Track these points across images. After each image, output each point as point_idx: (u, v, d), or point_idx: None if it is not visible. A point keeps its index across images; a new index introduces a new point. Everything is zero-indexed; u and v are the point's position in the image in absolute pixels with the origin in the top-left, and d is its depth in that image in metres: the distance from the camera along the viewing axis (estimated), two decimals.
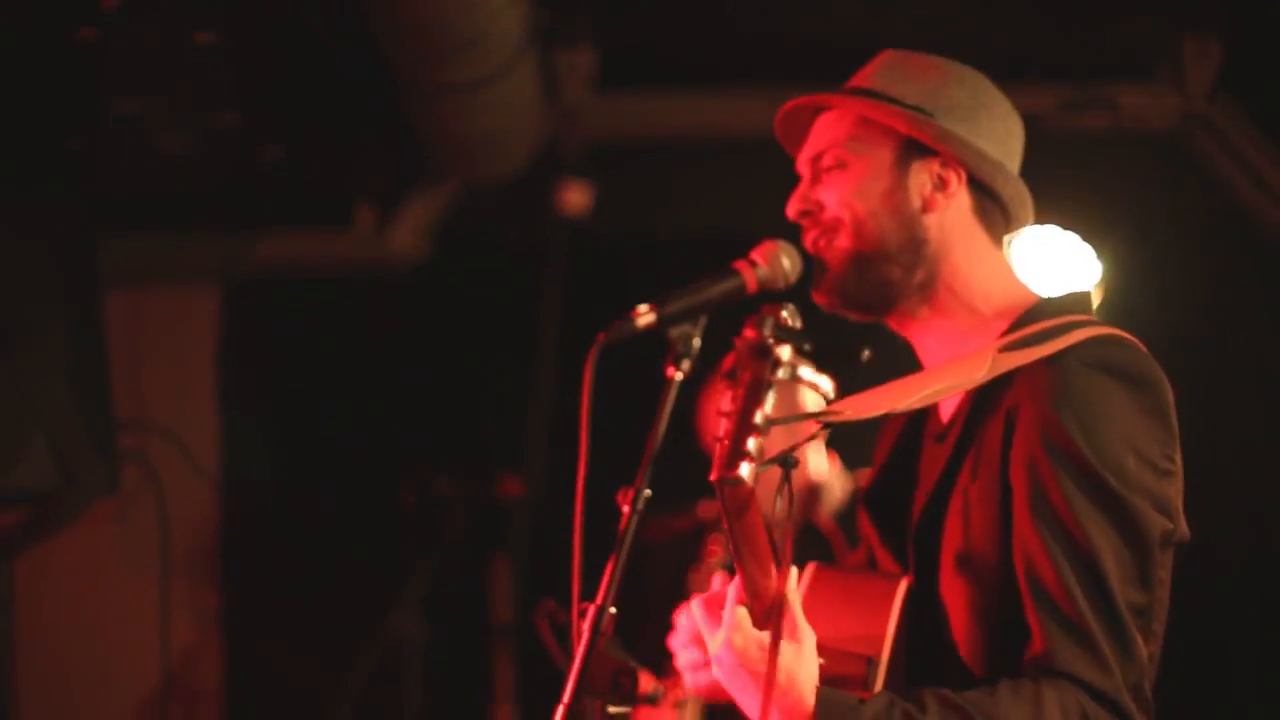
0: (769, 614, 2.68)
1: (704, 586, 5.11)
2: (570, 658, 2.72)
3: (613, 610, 2.70)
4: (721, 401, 2.59)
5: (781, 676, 2.65)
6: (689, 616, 3.01)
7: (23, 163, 5.71)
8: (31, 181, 5.55)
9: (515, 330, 6.77)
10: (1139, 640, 2.70)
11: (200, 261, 7.01)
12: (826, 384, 2.62)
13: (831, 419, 2.80)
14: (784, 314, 2.56)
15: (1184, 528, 2.81)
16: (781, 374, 2.55)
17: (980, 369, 2.84)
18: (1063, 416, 2.71)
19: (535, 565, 6.51)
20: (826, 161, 3.05)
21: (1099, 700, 2.65)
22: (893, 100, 3.03)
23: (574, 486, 2.75)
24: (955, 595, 2.83)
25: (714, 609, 2.83)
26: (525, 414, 6.61)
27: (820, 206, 3.04)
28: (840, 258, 3.01)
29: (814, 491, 5.22)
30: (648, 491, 2.76)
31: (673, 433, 2.83)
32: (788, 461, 2.62)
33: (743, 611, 2.71)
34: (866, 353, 2.68)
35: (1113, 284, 6.05)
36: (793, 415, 2.74)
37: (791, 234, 3.09)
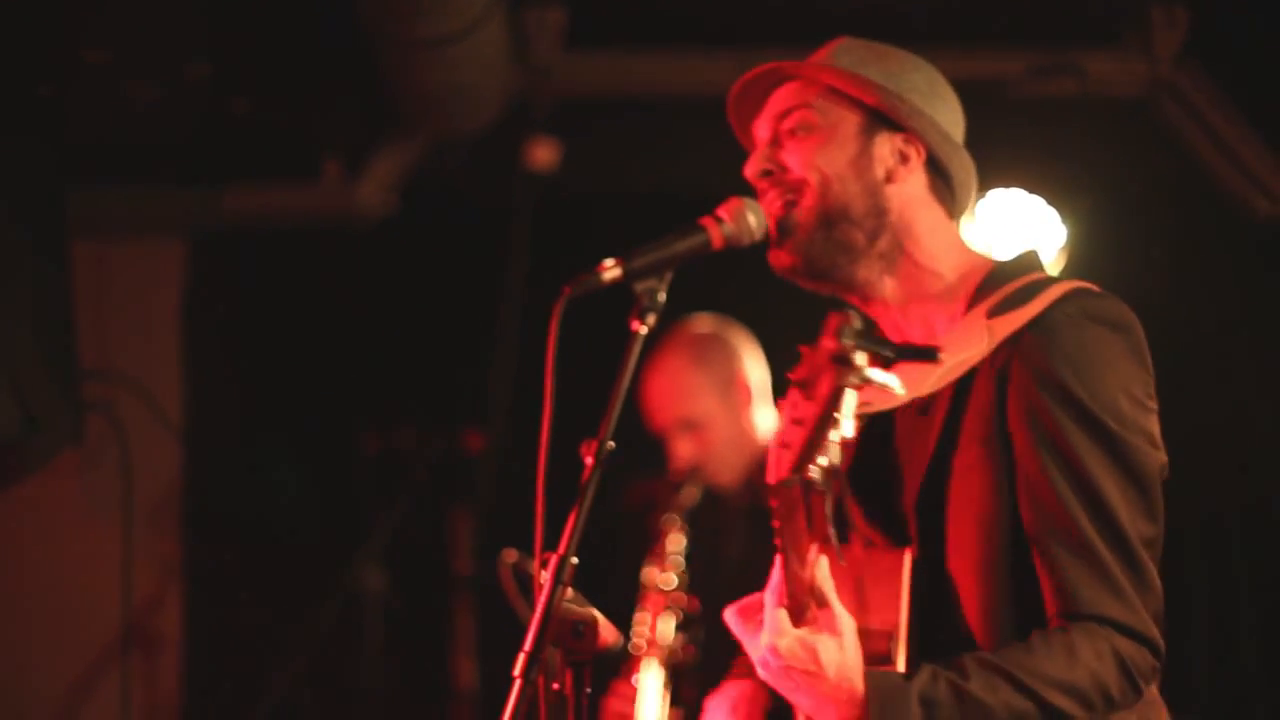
0: (805, 609, 2.72)
1: (662, 579, 5.19)
2: (532, 607, 2.75)
3: (574, 560, 2.73)
4: (793, 408, 2.63)
5: (830, 669, 2.69)
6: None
7: None
8: None
9: (481, 285, 6.78)
10: (1153, 571, 2.80)
11: (166, 213, 7.00)
12: (897, 384, 2.63)
13: (870, 410, 2.89)
14: (855, 322, 2.59)
15: (1165, 459, 2.90)
16: (855, 380, 2.57)
17: (980, 338, 2.90)
18: (1057, 366, 2.80)
19: (497, 518, 6.53)
20: (790, 124, 3.09)
21: (1127, 634, 2.76)
22: (859, 74, 3.08)
23: (536, 440, 2.77)
24: (963, 562, 2.88)
25: (749, 616, 2.85)
26: (489, 368, 6.63)
27: (784, 168, 3.07)
28: (806, 218, 3.04)
29: None
30: (611, 444, 2.79)
31: (637, 387, 2.86)
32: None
33: (783, 613, 2.73)
34: (941, 355, 2.73)
35: (1078, 248, 6.09)
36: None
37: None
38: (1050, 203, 6.07)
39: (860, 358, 2.56)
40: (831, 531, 2.63)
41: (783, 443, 2.63)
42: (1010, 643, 2.79)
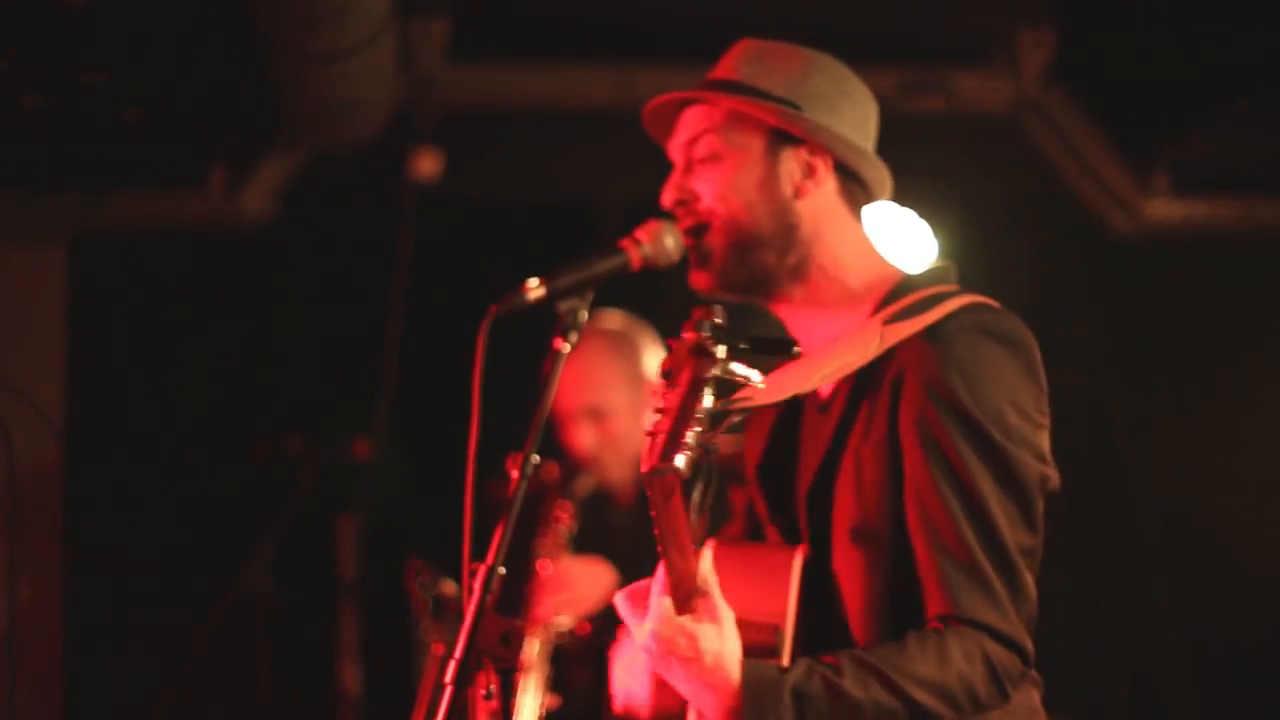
0: (690, 598, 2.82)
1: (551, 552, 5.29)
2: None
3: (502, 570, 2.82)
4: (660, 398, 2.73)
5: (708, 658, 2.79)
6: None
7: None
8: None
9: (364, 293, 6.83)
10: (1029, 581, 2.89)
11: (51, 219, 6.98)
12: (756, 377, 2.78)
13: (746, 405, 2.99)
14: (717, 316, 2.74)
15: (1055, 475, 2.99)
16: (716, 371, 2.71)
17: (871, 344, 2.99)
18: (948, 376, 2.87)
19: (380, 525, 6.58)
20: (699, 152, 3.17)
21: (999, 640, 2.82)
22: (761, 93, 3.15)
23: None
24: (847, 561, 2.97)
25: (638, 601, 2.94)
26: (373, 376, 6.68)
27: (695, 196, 3.15)
28: (719, 247, 3.13)
29: None
30: (536, 458, 2.89)
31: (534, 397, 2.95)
32: (710, 449, 2.83)
33: (667, 601, 2.83)
34: (797, 349, 2.88)
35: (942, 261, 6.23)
36: (715, 406, 2.88)
37: (646, 208, 3.23)
38: (919, 217, 6.21)
39: (720, 350, 2.71)
40: (695, 520, 2.77)
41: (652, 432, 2.72)
42: (887, 641, 2.87)
